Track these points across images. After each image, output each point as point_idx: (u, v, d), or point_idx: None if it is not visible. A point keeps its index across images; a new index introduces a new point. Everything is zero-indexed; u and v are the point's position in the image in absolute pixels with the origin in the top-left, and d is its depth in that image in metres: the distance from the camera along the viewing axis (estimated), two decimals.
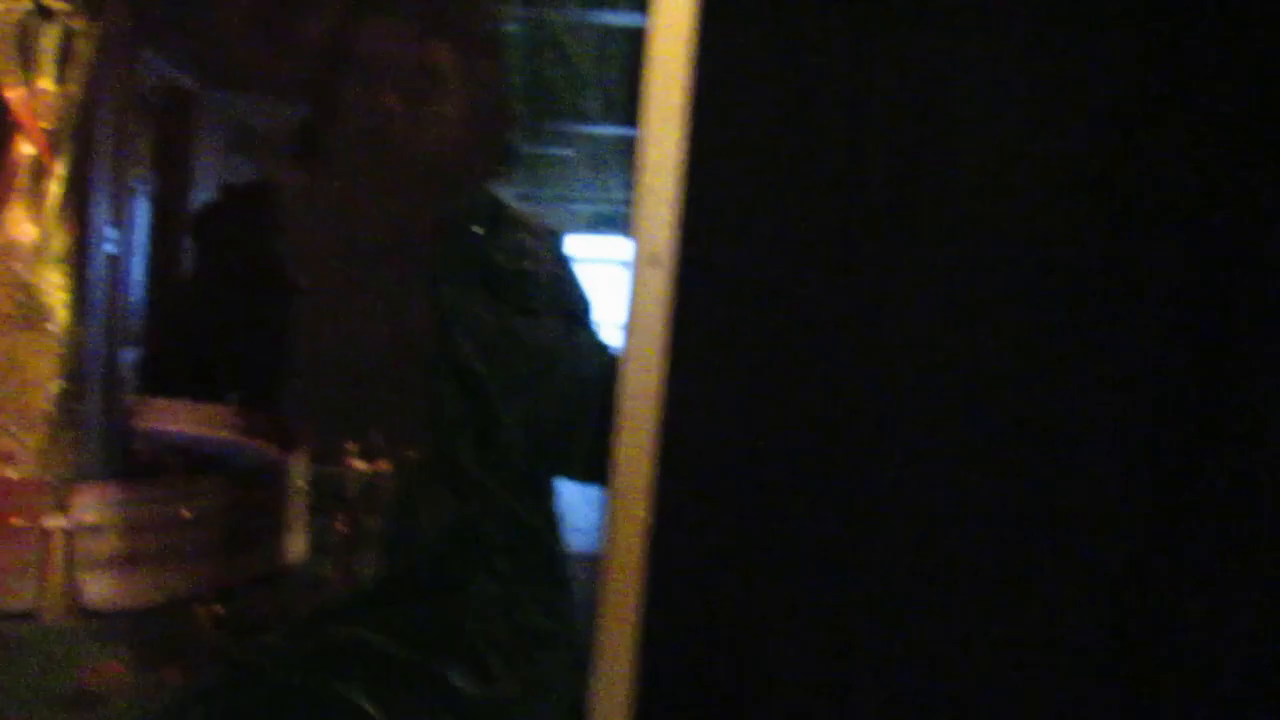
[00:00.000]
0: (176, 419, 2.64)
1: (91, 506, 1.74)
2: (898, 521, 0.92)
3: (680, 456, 1.02)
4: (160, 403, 2.64)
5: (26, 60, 1.78)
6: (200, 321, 3.78)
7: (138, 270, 3.44)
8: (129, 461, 2.05)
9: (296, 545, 2.14)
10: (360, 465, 2.80)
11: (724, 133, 0.93)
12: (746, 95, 0.93)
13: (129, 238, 3.38)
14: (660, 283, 1.02)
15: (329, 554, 2.22)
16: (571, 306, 1.19)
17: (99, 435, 1.89)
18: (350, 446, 3.10)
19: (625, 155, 1.21)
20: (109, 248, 3.25)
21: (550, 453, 1.19)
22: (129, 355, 3.35)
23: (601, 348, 1.22)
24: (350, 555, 2.25)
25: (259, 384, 3.18)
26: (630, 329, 1.00)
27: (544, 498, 1.23)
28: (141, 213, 3.37)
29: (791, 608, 0.97)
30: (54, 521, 1.70)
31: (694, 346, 1.00)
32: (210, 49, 3.56)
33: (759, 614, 0.99)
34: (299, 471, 2.16)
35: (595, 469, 1.19)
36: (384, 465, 3.04)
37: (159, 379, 3.43)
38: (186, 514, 1.85)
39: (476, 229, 1.19)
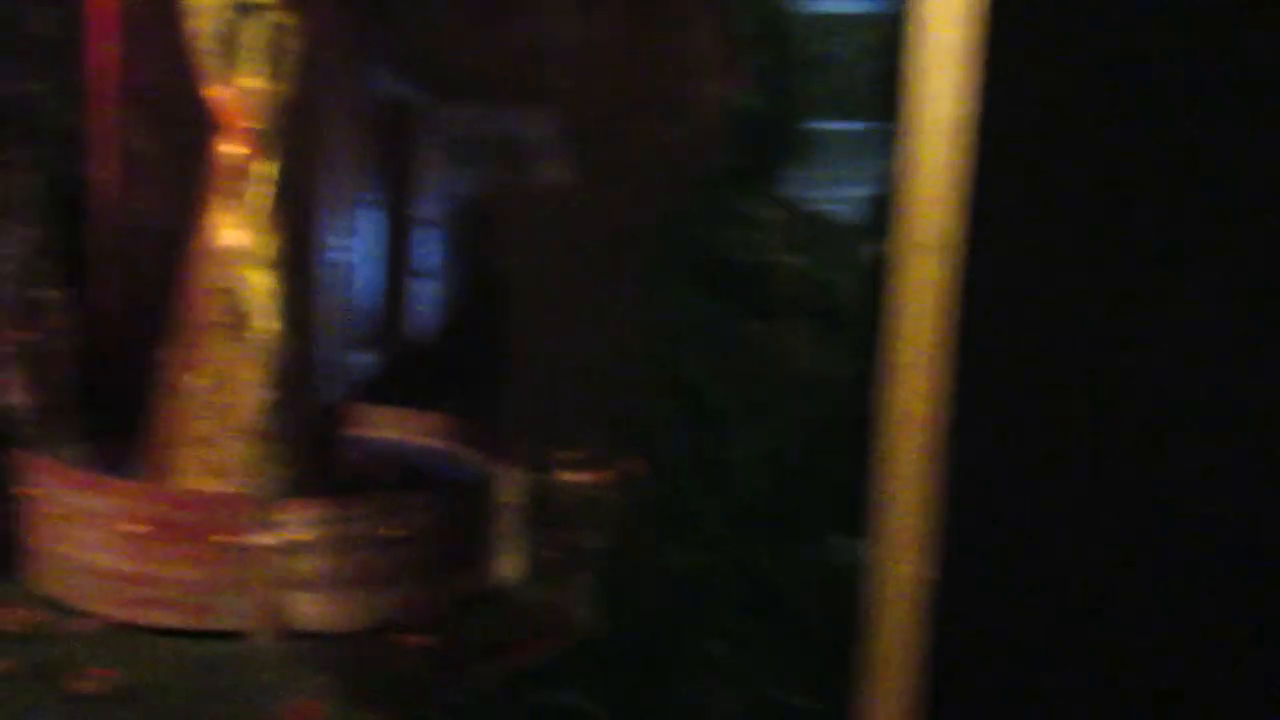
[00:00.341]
0: (390, 426, 2.57)
1: (298, 523, 1.65)
2: (1203, 556, 0.76)
3: (966, 490, 0.80)
4: (374, 410, 2.60)
5: (231, 59, 1.71)
6: (419, 328, 3.79)
7: (362, 278, 3.45)
8: (339, 471, 1.97)
9: (508, 566, 2.00)
10: (575, 478, 2.66)
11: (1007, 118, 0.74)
12: (1032, 76, 0.76)
13: (353, 246, 3.40)
14: (934, 272, 0.79)
15: (542, 576, 2.09)
16: (821, 308, 0.95)
17: (308, 447, 1.79)
18: (564, 457, 2.98)
19: (874, 143, 0.97)
20: (334, 255, 3.27)
21: (797, 491, 0.96)
22: (352, 361, 3.37)
23: (858, 358, 0.98)
24: (564, 577, 2.10)
25: (473, 391, 3.13)
26: (898, 332, 0.78)
27: (788, 547, 1.00)
28: (366, 222, 3.38)
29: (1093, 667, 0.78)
30: (260, 538, 1.63)
31: (975, 352, 0.78)
32: (436, 60, 3.54)
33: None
34: (512, 486, 2.02)
35: (853, 511, 0.95)
36: (600, 477, 2.90)
37: (377, 386, 3.43)
38: (395, 532, 1.73)
39: (706, 220, 0.97)
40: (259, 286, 1.70)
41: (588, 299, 3.31)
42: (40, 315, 2.16)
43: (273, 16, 1.72)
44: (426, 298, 3.85)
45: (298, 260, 1.80)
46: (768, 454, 0.99)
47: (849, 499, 0.99)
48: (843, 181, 0.96)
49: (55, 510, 1.65)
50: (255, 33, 1.71)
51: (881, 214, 0.87)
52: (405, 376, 3.58)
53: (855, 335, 0.92)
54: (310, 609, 1.67)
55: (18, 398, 2.04)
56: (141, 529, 1.59)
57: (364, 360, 3.46)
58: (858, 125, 0.99)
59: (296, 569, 1.64)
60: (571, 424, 3.24)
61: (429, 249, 3.84)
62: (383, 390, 3.23)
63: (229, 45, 1.70)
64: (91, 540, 1.63)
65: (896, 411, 0.87)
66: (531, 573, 2.06)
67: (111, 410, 2.44)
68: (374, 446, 2.40)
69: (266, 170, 1.73)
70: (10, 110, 2.02)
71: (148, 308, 1.92)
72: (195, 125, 1.81)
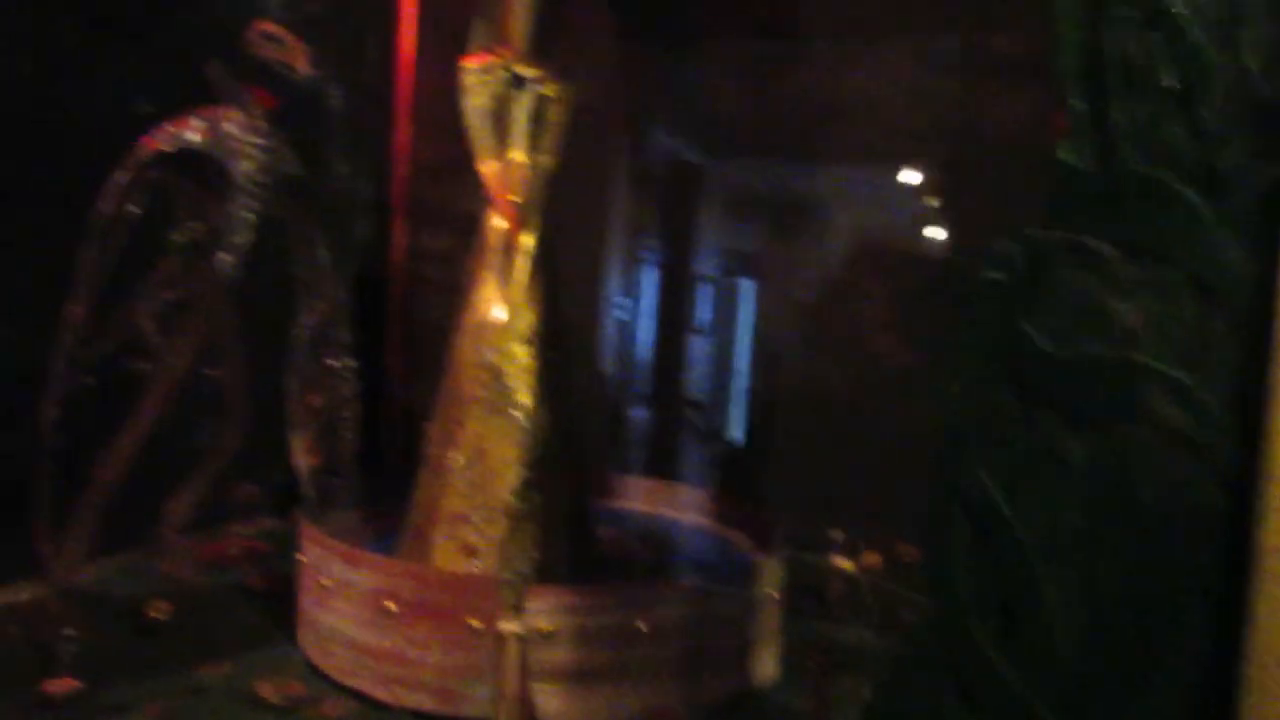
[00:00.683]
0: (649, 499, 2.48)
1: (547, 611, 1.57)
2: None
3: None
4: (634, 481, 2.52)
5: (500, 132, 1.70)
6: (692, 390, 3.73)
7: (639, 337, 3.44)
8: (593, 554, 1.89)
9: (766, 665, 1.82)
10: (843, 564, 2.44)
11: None
12: None
13: (632, 304, 3.39)
14: None
15: (804, 678, 1.90)
16: (1175, 419, 0.72)
17: (564, 530, 1.72)
18: (833, 538, 2.77)
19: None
20: (619, 315, 3.27)
21: (1127, 655, 0.73)
22: (620, 425, 3.33)
23: (1220, 486, 0.73)
24: (828, 682, 1.89)
25: (741, 459, 3.00)
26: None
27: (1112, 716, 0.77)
28: (646, 280, 3.37)
29: None
30: (508, 625, 1.56)
31: None
32: (714, 119, 3.52)
33: None
34: (773, 575, 1.85)
35: (1203, 687, 0.71)
36: (870, 563, 2.66)
37: (645, 450, 3.38)
38: (649, 626, 1.61)
39: (1008, 288, 0.78)
40: (521, 362, 1.66)
41: (869, 368, 3.10)
42: (331, 383, 2.25)
43: (543, 88, 1.70)
44: (703, 357, 3.79)
45: (561, 335, 1.75)
46: (1089, 602, 0.77)
47: (1199, 670, 0.74)
48: (1198, 254, 0.73)
49: (321, 579, 1.66)
50: (524, 106, 1.70)
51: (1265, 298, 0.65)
52: (673, 441, 3.51)
53: (1221, 457, 0.69)
54: (556, 703, 1.58)
55: (303, 461, 2.12)
56: (395, 607, 1.57)
57: (632, 424, 3.42)
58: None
59: (543, 659, 1.56)
60: (840, 500, 3.03)
61: (707, 307, 3.78)
62: (652, 455, 3.17)
63: (499, 119, 1.70)
64: (351, 613, 1.63)
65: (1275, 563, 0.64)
66: (791, 675, 1.87)
67: (393, 479, 2.52)
68: (632, 522, 2.31)
69: (528, 244, 1.70)
70: (312, 185, 2.13)
71: (432, 380, 1.93)
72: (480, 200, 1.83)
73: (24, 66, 1.90)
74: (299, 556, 1.79)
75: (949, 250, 3.01)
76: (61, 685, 1.53)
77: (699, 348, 3.80)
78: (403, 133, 2.99)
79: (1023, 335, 0.79)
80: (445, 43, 3.02)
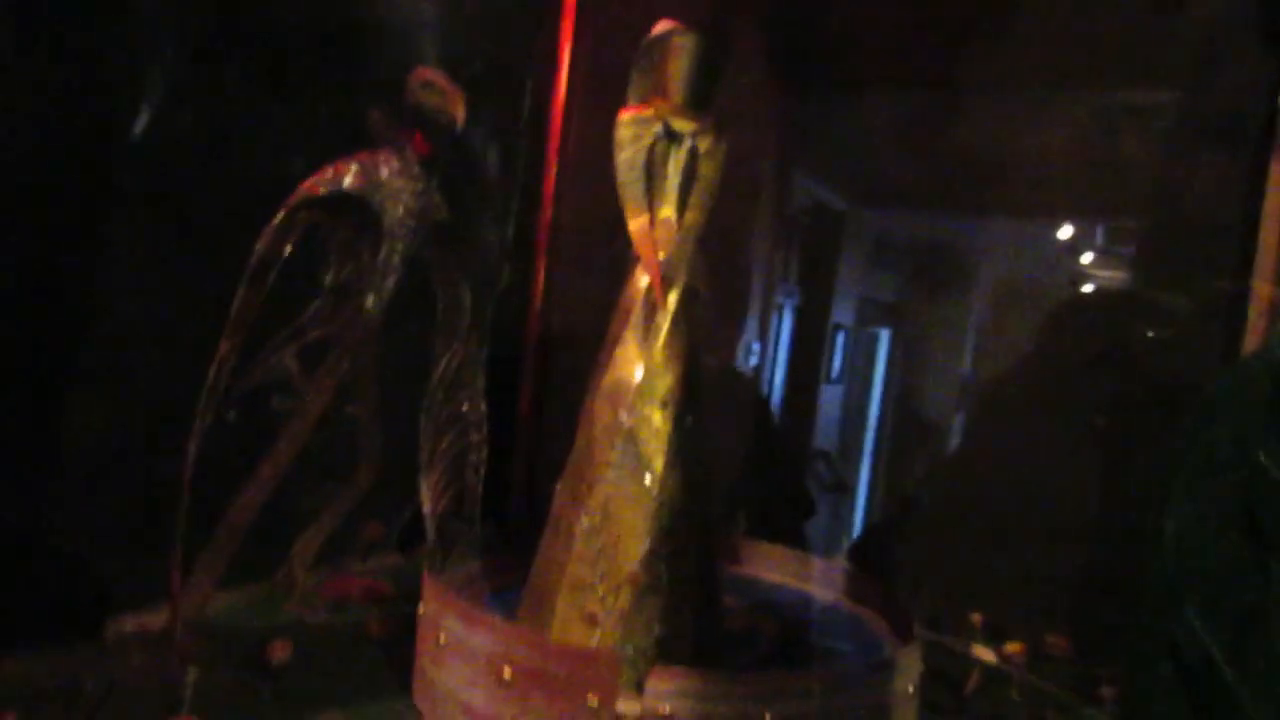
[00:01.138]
0: (772, 565, 2.37)
1: (669, 695, 1.48)
2: None
3: None
4: (757, 545, 2.41)
5: (652, 189, 1.65)
6: (829, 444, 3.61)
7: (775, 387, 3.34)
8: (720, 631, 1.79)
9: None
10: (985, 654, 2.27)
11: None
12: None
13: (772, 352, 3.31)
14: None
15: None
16: None
17: (691, 605, 1.63)
18: (974, 622, 2.59)
19: None
20: (753, 360, 3.19)
21: None
22: (753, 482, 3.22)
23: None
24: None
25: (864, 527, 2.84)
26: None
27: None
28: (785, 326, 3.31)
29: None
30: (628, 705, 1.48)
31: None
32: (860, 168, 3.42)
33: None
34: (911, 668, 1.71)
35: None
36: (1015, 652, 2.47)
37: (774, 509, 3.25)
38: (770, 718, 1.50)
39: (1244, 411, 0.66)
40: (656, 427, 1.59)
41: (1019, 439, 2.90)
42: (463, 427, 2.24)
43: (698, 142, 1.65)
44: (839, 410, 3.66)
45: (698, 400, 1.68)
46: None
47: None
48: None
49: (440, 636, 1.61)
50: (678, 161, 1.64)
51: None
52: (799, 495, 3.37)
53: None
54: None
55: (430, 505, 2.10)
56: (511, 674, 1.51)
57: (767, 481, 3.30)
58: None
59: None
60: (979, 578, 2.85)
61: (847, 358, 3.65)
62: (775, 510, 3.04)
63: (651, 174, 1.65)
64: (466, 675, 1.57)
65: None
66: None
67: (518, 530, 2.49)
68: (757, 592, 2.20)
69: (672, 304, 1.63)
70: (458, 230, 2.13)
71: (562, 430, 1.88)
72: (621, 258, 1.78)
73: (190, 117, 1.96)
74: (420, 608, 1.75)
75: (1118, 314, 2.81)
76: None
77: (831, 398, 3.67)
78: (551, 178, 2.99)
79: (1259, 468, 0.67)
80: (597, 88, 3.03)
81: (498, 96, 2.70)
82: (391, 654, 1.97)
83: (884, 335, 3.74)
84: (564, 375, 3.01)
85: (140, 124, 1.86)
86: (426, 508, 2.12)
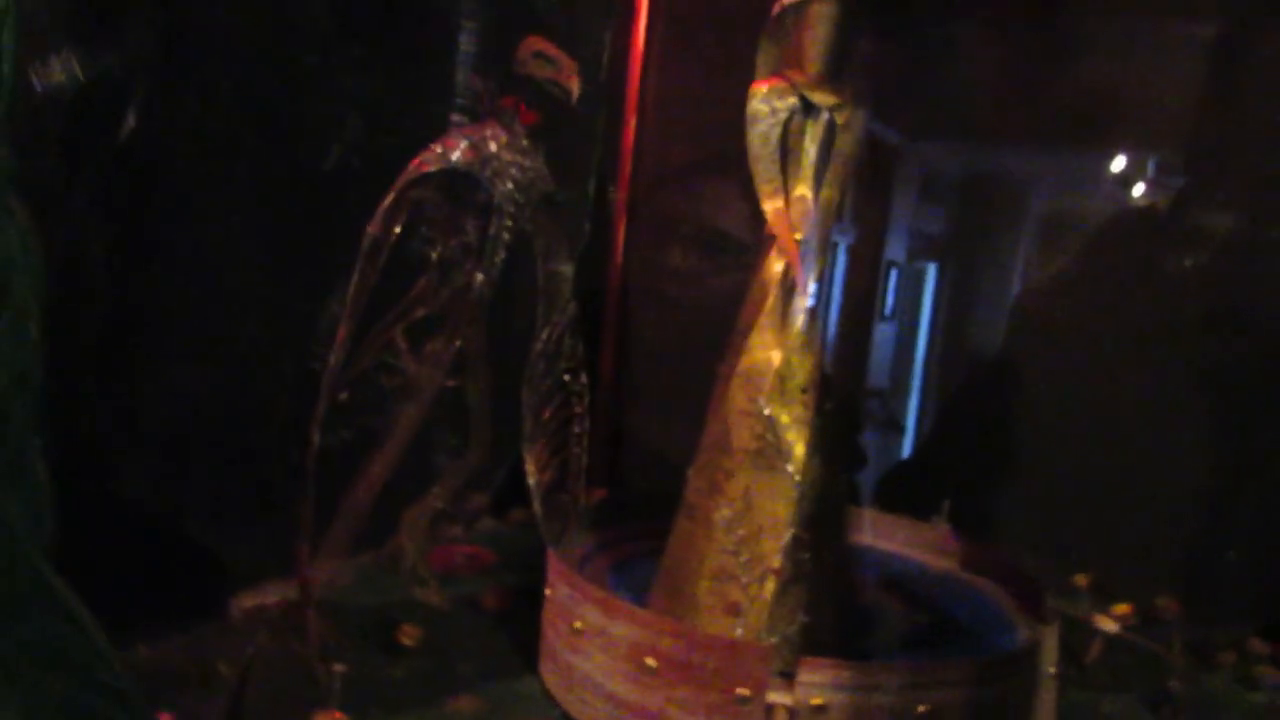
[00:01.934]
0: (886, 536, 2.34)
1: (821, 685, 1.47)
2: None
3: None
4: (868, 513, 2.38)
5: (788, 167, 1.58)
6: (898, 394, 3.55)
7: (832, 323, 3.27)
8: (857, 607, 1.77)
9: None
10: (1106, 623, 2.24)
11: None
12: None
13: (825, 291, 3.25)
14: None
15: None
16: None
17: (835, 594, 1.61)
18: (1087, 583, 2.56)
19: None
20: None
21: None
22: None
23: None
24: None
25: (987, 500, 2.78)
26: None
27: None
28: (839, 264, 3.25)
29: None
30: (779, 696, 1.47)
31: None
32: (917, 103, 3.29)
33: None
34: (1051, 648, 1.69)
35: None
36: (1122, 613, 2.45)
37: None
38: (924, 709, 1.49)
39: None
40: (797, 413, 1.55)
41: (1115, 389, 2.82)
42: (564, 398, 2.21)
43: (835, 116, 1.57)
44: (891, 347, 3.58)
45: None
46: None
47: None
48: None
49: (574, 622, 1.60)
50: (815, 135, 1.57)
51: None
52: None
53: None
54: None
55: (536, 478, 2.08)
56: (653, 664, 1.50)
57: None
58: None
59: None
60: (1068, 532, 2.80)
61: (900, 295, 3.57)
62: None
63: (786, 152, 1.58)
64: (606, 664, 1.57)
65: None
66: None
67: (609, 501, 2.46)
68: (875, 564, 2.18)
69: (808, 286, 1.58)
70: (555, 204, 2.07)
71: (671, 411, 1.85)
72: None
73: (301, 100, 1.91)
74: (546, 590, 1.74)
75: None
76: None
77: (884, 336, 3.60)
78: (630, 133, 2.90)
79: None
80: (676, 40, 2.92)
81: (577, 47, 2.61)
82: (509, 630, 1.98)
83: (931, 270, 3.67)
84: (644, 337, 2.97)
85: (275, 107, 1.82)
86: (531, 480, 2.09)
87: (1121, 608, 2.39)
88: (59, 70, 1.44)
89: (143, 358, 1.86)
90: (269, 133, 1.92)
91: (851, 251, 3.44)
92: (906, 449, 3.58)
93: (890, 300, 3.63)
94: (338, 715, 1.52)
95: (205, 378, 1.99)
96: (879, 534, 2.30)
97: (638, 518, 2.17)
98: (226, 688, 1.66)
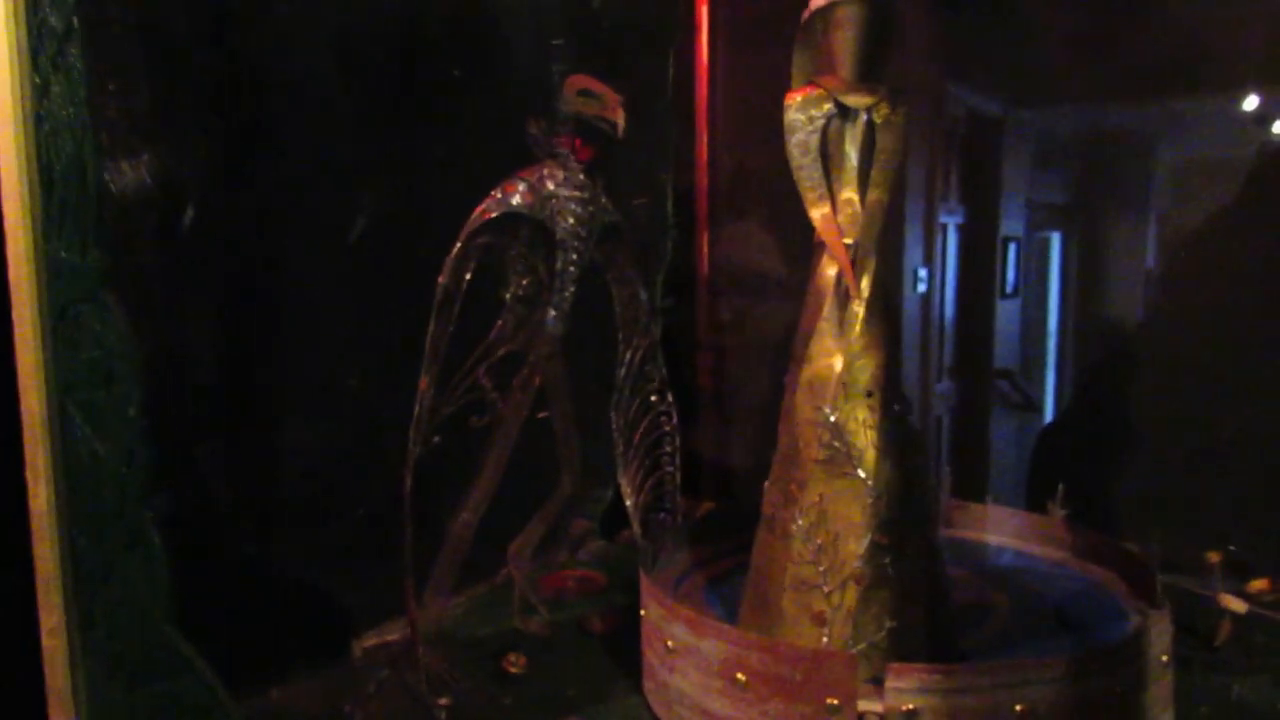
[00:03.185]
0: (992, 528, 2.28)
1: (911, 690, 1.45)
2: None
3: None
4: (973, 508, 2.32)
5: (829, 170, 1.58)
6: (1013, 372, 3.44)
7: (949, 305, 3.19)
8: (949, 605, 1.74)
9: None
10: (1234, 604, 2.12)
11: None
12: None
13: (938, 274, 3.18)
14: None
15: None
16: None
17: (920, 597, 1.60)
18: (1209, 559, 2.43)
19: None
20: (921, 288, 3.08)
21: None
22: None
23: None
24: None
25: (1126, 478, 2.66)
26: None
27: None
28: (949, 245, 3.19)
29: None
30: (869, 704, 1.46)
31: None
32: (1018, 71, 3.19)
33: None
34: (1163, 635, 1.61)
35: None
36: (1259, 588, 2.32)
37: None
38: (1020, 708, 1.46)
39: None
40: (863, 418, 1.54)
41: (1261, 351, 2.65)
42: (654, 418, 2.25)
43: (873, 115, 1.56)
44: (1017, 324, 3.46)
45: (900, 384, 1.62)
46: None
47: None
48: None
49: (667, 641, 1.64)
50: (854, 138, 1.57)
51: None
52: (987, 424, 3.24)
53: None
54: None
55: (631, 499, 2.12)
56: (743, 679, 1.51)
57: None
58: None
59: None
60: (1200, 506, 2.66)
61: (1021, 270, 3.45)
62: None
63: (826, 158, 1.58)
64: (699, 681, 1.59)
65: None
66: None
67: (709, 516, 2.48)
68: (979, 562, 2.13)
69: (865, 290, 1.57)
70: (621, 232, 2.12)
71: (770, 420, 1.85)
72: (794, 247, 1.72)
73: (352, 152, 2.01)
74: (641, 611, 1.78)
75: None
76: None
77: (1009, 313, 3.48)
78: (704, 145, 2.93)
79: None
80: (739, 47, 2.93)
81: (642, 67, 2.65)
82: (616, 651, 2.02)
83: (1055, 240, 3.53)
84: (736, 346, 2.98)
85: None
86: (628, 501, 2.14)
87: (1259, 583, 2.27)
88: (142, 172, 1.57)
89: (269, 429, 1.99)
90: (349, 207, 2.03)
91: (962, 230, 3.36)
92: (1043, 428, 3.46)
93: (1011, 276, 3.52)
94: None
95: (328, 441, 2.11)
96: (987, 527, 2.25)
97: (738, 531, 2.18)
98: None
